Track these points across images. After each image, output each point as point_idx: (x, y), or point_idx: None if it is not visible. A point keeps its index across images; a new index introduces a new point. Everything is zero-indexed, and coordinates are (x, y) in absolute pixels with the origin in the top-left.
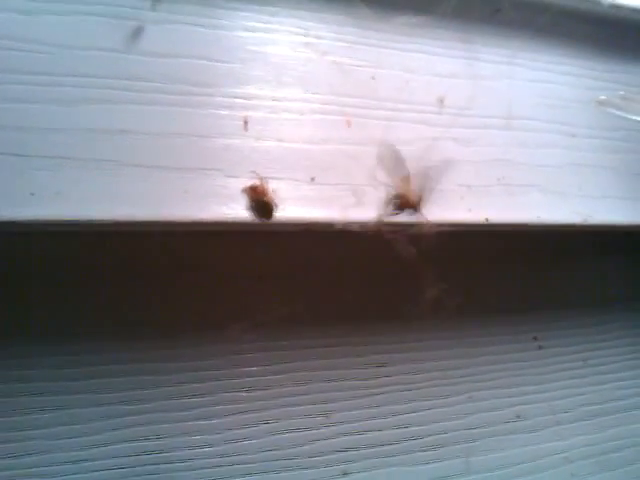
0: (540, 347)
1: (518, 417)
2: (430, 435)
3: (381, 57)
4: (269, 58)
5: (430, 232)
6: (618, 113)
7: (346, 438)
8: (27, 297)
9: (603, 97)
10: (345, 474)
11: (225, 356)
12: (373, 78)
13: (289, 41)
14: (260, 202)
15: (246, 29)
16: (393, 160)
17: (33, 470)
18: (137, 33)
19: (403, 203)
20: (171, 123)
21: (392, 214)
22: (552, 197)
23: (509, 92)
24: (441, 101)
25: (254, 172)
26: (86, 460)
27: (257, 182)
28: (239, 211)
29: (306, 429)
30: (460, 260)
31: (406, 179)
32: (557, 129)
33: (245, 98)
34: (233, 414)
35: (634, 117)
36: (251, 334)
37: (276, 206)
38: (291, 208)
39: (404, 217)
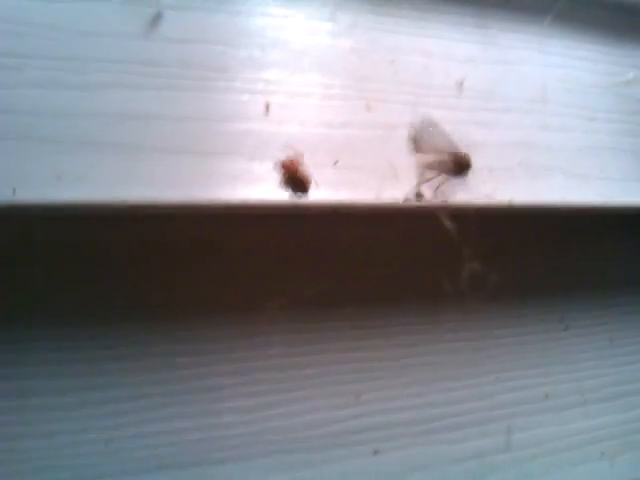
0: (566, 328)
1: (547, 397)
2: (459, 415)
3: (399, 42)
4: (288, 44)
5: (454, 215)
6: None
7: (376, 418)
8: (46, 280)
9: (631, 75)
10: (376, 452)
11: (251, 338)
12: (392, 63)
13: (308, 27)
14: (295, 176)
15: (265, 14)
16: (430, 133)
17: (62, 452)
18: (156, 19)
19: (448, 168)
20: (191, 108)
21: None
22: (574, 179)
23: (527, 76)
24: (460, 85)
25: (289, 145)
26: (116, 440)
27: (291, 156)
28: (264, 193)
29: (336, 409)
30: (488, 242)
31: (446, 147)
32: (576, 113)
33: (265, 83)
34: (262, 395)
35: None
36: (278, 316)
37: (313, 180)
38: (316, 191)
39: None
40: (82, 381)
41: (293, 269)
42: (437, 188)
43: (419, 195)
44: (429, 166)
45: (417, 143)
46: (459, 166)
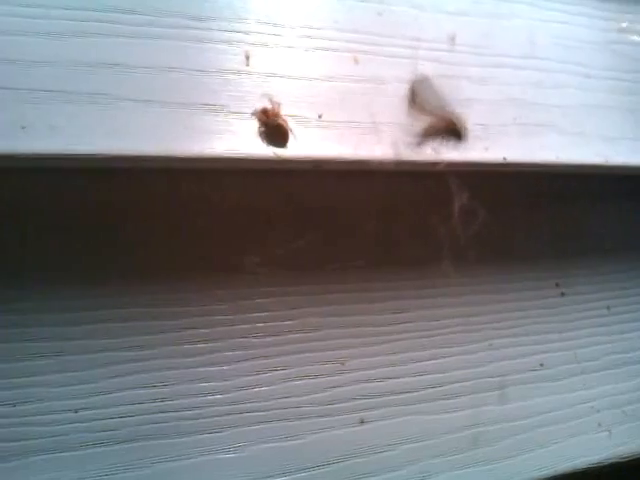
0: (562, 294)
1: (542, 365)
2: (450, 383)
3: None
4: None
5: (449, 172)
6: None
7: (363, 385)
8: (23, 238)
9: (625, 24)
10: (362, 422)
11: (234, 301)
12: (380, 14)
13: None
14: (273, 126)
15: None
16: (427, 91)
17: (31, 419)
18: None
19: (442, 132)
20: (166, 57)
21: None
22: (571, 138)
23: (523, 31)
24: (452, 39)
25: (266, 94)
26: (86, 409)
27: (269, 105)
28: (243, 147)
29: (321, 376)
30: (481, 204)
31: (442, 109)
32: (572, 70)
33: (245, 32)
34: (243, 360)
35: None
36: (262, 278)
37: (291, 131)
38: (299, 145)
39: (427, 152)
40: (50, 346)
41: (276, 229)
42: (428, 145)
43: (410, 151)
44: (424, 126)
45: (413, 101)
46: (454, 132)
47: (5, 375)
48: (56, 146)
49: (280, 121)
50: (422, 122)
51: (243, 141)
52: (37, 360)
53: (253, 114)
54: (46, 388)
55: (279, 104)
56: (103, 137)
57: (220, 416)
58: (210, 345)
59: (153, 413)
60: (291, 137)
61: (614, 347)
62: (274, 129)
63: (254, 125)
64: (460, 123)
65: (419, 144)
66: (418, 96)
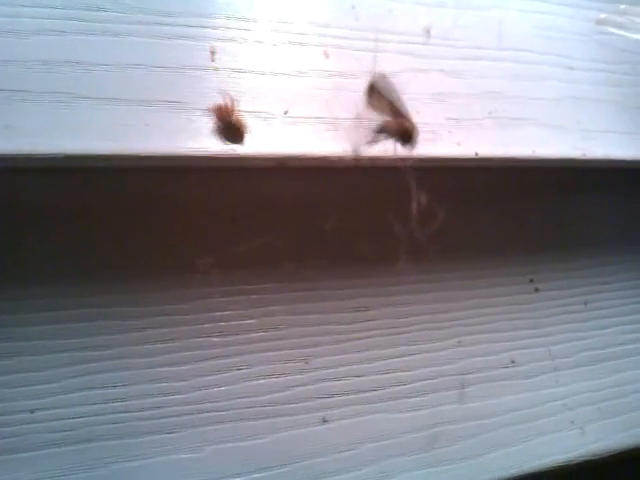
0: (537, 289)
1: (513, 362)
2: (417, 381)
3: None
4: None
5: (415, 167)
6: (619, 32)
7: (326, 384)
8: None
9: (603, 15)
10: (325, 421)
11: (195, 300)
12: (353, 7)
13: None
14: (228, 123)
15: None
16: (385, 89)
17: None
18: None
19: (394, 133)
20: (130, 54)
21: (379, 144)
22: (549, 131)
23: (501, 22)
24: (427, 31)
25: (222, 90)
26: (43, 409)
27: (224, 101)
28: (205, 144)
29: (283, 375)
30: (451, 197)
31: (397, 109)
32: (554, 61)
33: (212, 27)
34: (203, 360)
35: (636, 36)
36: (223, 277)
37: (246, 128)
38: (263, 142)
39: (390, 149)
40: (9, 346)
41: (236, 227)
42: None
43: (373, 147)
44: (379, 124)
45: (370, 99)
46: (404, 135)
47: None
48: (11, 146)
49: (234, 117)
50: (380, 119)
51: (203, 139)
52: None
53: (208, 110)
54: (3, 389)
55: (235, 100)
56: (61, 136)
57: (178, 416)
58: (169, 345)
59: (111, 413)
60: (249, 134)
61: (590, 343)
62: (229, 125)
63: (211, 122)
64: (410, 130)
65: (378, 141)
66: (376, 92)
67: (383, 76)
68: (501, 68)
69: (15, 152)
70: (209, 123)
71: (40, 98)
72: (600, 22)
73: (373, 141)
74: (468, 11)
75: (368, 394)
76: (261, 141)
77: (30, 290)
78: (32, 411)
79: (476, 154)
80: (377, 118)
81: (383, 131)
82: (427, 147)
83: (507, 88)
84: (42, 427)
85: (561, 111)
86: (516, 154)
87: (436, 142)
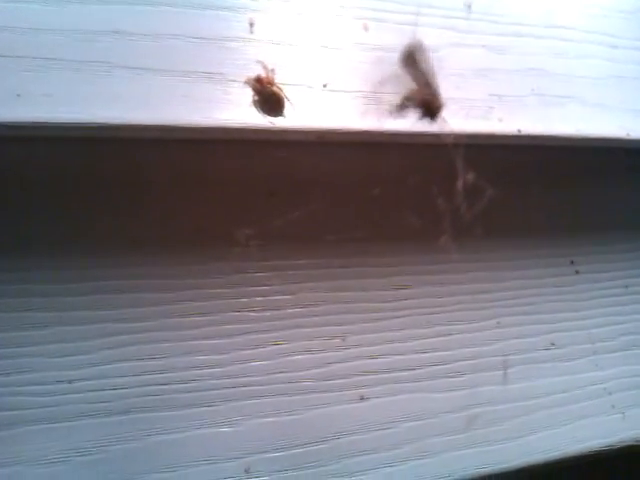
0: (577, 272)
1: (553, 345)
2: (456, 361)
3: None
4: None
5: (459, 143)
6: None
7: (364, 362)
8: (22, 208)
9: None
10: (363, 399)
11: (232, 274)
12: None
13: None
14: (267, 94)
15: None
16: (419, 62)
17: (24, 389)
18: None
19: (425, 107)
20: (168, 24)
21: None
22: (592, 110)
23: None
24: (469, 6)
25: (260, 62)
26: (82, 380)
27: (264, 73)
28: (243, 117)
29: (320, 351)
30: (495, 175)
31: (429, 83)
32: (597, 39)
33: None
34: (241, 334)
35: None
36: (261, 251)
37: (286, 99)
38: (302, 115)
39: (424, 125)
40: (49, 316)
41: (274, 201)
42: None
43: (415, 122)
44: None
45: (403, 70)
46: (428, 109)
47: (4, 344)
48: (49, 114)
49: (274, 89)
50: (418, 92)
51: (242, 111)
52: (35, 330)
53: (246, 82)
54: (42, 358)
55: (273, 71)
56: (99, 105)
57: (216, 390)
58: (207, 318)
59: (148, 385)
60: (288, 105)
61: (630, 327)
62: (268, 97)
63: (249, 94)
64: (435, 105)
65: (403, 113)
66: (411, 71)
67: (418, 47)
68: (544, 45)
69: (54, 120)
70: (247, 95)
71: (78, 67)
72: None
73: (399, 113)
74: None
75: (406, 373)
76: (300, 114)
77: (68, 261)
78: (70, 381)
79: (519, 131)
80: (412, 91)
81: (416, 105)
82: (470, 123)
83: (550, 65)
84: (80, 398)
85: (605, 90)
86: (559, 132)
87: (479, 118)
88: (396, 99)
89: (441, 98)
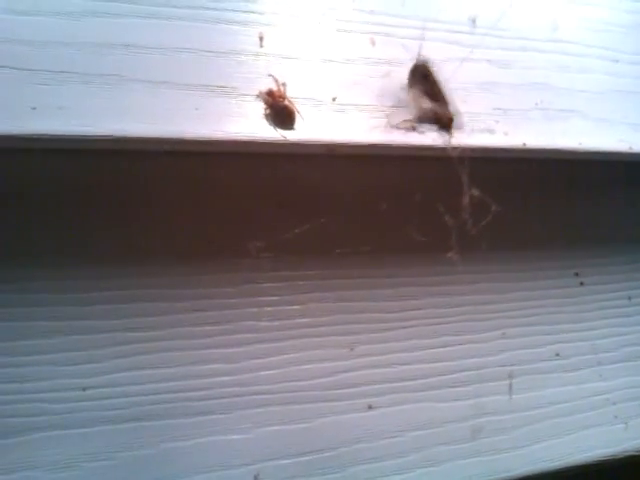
0: (582, 283)
1: (557, 355)
2: (461, 371)
3: None
4: None
5: (464, 157)
6: None
7: (371, 371)
8: (34, 218)
9: None
10: (370, 408)
11: (244, 285)
12: None
13: None
14: (278, 107)
15: None
16: (426, 76)
17: (39, 396)
18: None
19: (434, 121)
20: (180, 38)
21: (419, 133)
22: (595, 124)
23: (549, 13)
24: (473, 20)
25: (271, 75)
26: (93, 387)
27: (275, 86)
28: (254, 130)
29: (329, 361)
30: (500, 188)
31: (438, 97)
32: (599, 54)
33: (260, 13)
34: (251, 343)
35: None
36: (271, 263)
37: (298, 113)
38: (311, 128)
39: (432, 138)
40: (61, 325)
41: (284, 213)
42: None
43: (422, 135)
44: (422, 111)
45: (411, 86)
46: (440, 122)
47: (15, 353)
48: (63, 127)
49: (286, 102)
50: (422, 107)
51: (254, 124)
52: (47, 339)
53: (258, 96)
54: (55, 367)
55: (284, 84)
56: (112, 118)
57: (227, 398)
58: (218, 327)
59: (160, 393)
60: (299, 119)
61: (634, 338)
62: (280, 111)
63: (261, 107)
64: (448, 117)
65: (420, 128)
66: (436, 76)
67: (425, 62)
68: (547, 59)
69: (68, 133)
70: (257, 108)
71: (91, 80)
72: None
73: (415, 128)
74: (513, 1)
75: (413, 382)
76: (310, 127)
77: (81, 271)
78: (84, 389)
79: (524, 144)
80: (420, 105)
81: (424, 118)
82: (475, 137)
83: (554, 79)
84: (94, 405)
85: (607, 104)
86: (563, 146)
87: (484, 132)
88: (407, 113)
89: (451, 110)
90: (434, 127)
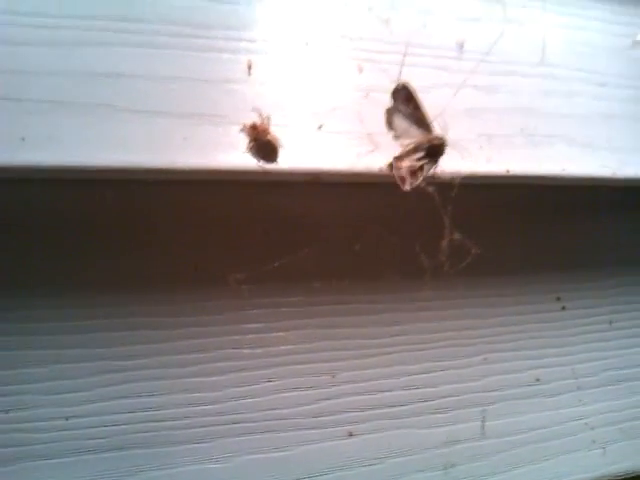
0: (563, 308)
1: (537, 380)
2: (443, 397)
3: None
4: None
5: (448, 183)
6: None
7: (353, 398)
8: (20, 248)
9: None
10: (351, 435)
11: (227, 312)
12: (387, 21)
13: None
14: (262, 142)
15: None
16: (410, 102)
17: (23, 425)
18: None
19: (423, 150)
20: (170, 67)
21: (409, 162)
22: (579, 149)
23: (535, 38)
24: (461, 46)
25: (255, 109)
26: (78, 416)
27: (258, 120)
28: (242, 158)
29: (311, 388)
30: (479, 214)
31: (425, 124)
32: (586, 78)
33: (249, 41)
34: (234, 371)
35: None
36: (255, 290)
37: (281, 147)
38: (297, 157)
39: (420, 165)
40: (46, 354)
41: (273, 240)
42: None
43: (406, 164)
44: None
45: (391, 118)
46: (431, 151)
47: (0, 382)
48: (53, 158)
49: (269, 137)
50: (426, 130)
51: (239, 153)
52: (33, 368)
53: (242, 130)
54: (40, 395)
55: (269, 118)
56: (101, 149)
57: (208, 426)
58: (200, 355)
59: (142, 422)
60: (282, 151)
61: (614, 362)
62: (263, 145)
63: (245, 140)
64: (438, 145)
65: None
66: (401, 117)
67: (408, 87)
68: (533, 84)
69: (58, 164)
70: (245, 138)
71: (81, 110)
72: (637, 43)
73: (404, 158)
74: (503, 25)
75: (394, 409)
76: (296, 156)
77: (64, 299)
78: (67, 418)
79: (507, 171)
80: (406, 134)
81: (416, 150)
82: (458, 163)
83: (539, 104)
84: (76, 434)
85: (592, 129)
86: (546, 172)
87: (467, 158)
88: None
89: (439, 136)
90: (420, 154)
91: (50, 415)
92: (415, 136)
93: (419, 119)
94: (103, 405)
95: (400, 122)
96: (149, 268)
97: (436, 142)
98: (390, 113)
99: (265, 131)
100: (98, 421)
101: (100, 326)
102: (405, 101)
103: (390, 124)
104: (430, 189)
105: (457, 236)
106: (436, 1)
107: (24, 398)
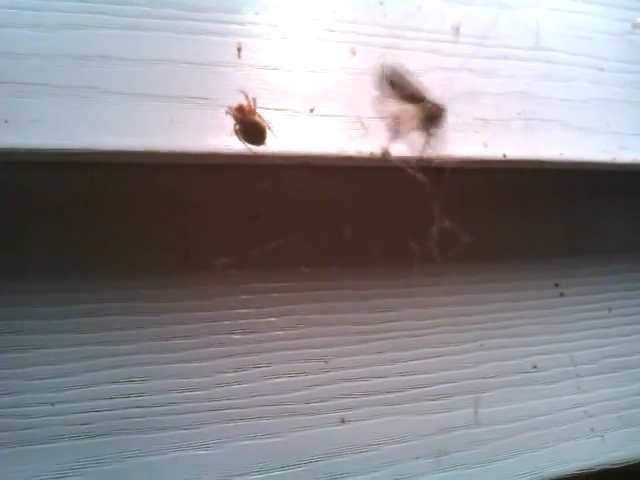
0: (562, 294)
1: (535, 367)
2: (437, 384)
3: None
4: None
5: (442, 167)
6: None
7: (345, 384)
8: (5, 232)
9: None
10: (343, 421)
11: (217, 297)
12: (381, 3)
13: None
14: (248, 123)
15: None
16: (398, 78)
17: (7, 411)
18: None
19: (413, 124)
20: (157, 49)
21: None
22: (577, 133)
23: (533, 22)
24: (457, 29)
25: (241, 91)
26: (63, 402)
27: (244, 102)
28: (230, 141)
29: (303, 374)
30: (476, 198)
31: (414, 97)
32: (584, 62)
33: (239, 23)
34: (224, 357)
35: None
36: (245, 275)
37: (269, 128)
38: (288, 140)
39: (415, 149)
40: (32, 339)
41: (263, 225)
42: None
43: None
44: (401, 116)
45: (384, 88)
46: (429, 117)
47: None
48: (36, 140)
49: (256, 118)
50: (401, 116)
51: (228, 136)
52: (18, 352)
53: (227, 112)
54: (25, 381)
55: (255, 99)
56: (86, 131)
57: (198, 412)
58: (190, 341)
59: (130, 407)
60: (274, 132)
61: (613, 350)
62: (250, 127)
63: (232, 122)
64: (436, 110)
65: (403, 138)
66: (395, 87)
67: (393, 67)
68: (530, 68)
69: (41, 147)
70: (231, 120)
71: (66, 93)
72: (636, 25)
73: (399, 136)
74: (497, 9)
75: (387, 396)
76: (287, 139)
77: (50, 284)
78: (52, 404)
79: (504, 156)
80: (400, 110)
81: (407, 120)
82: (454, 147)
83: (536, 88)
84: (62, 419)
85: (590, 113)
86: (544, 156)
87: (463, 143)
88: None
89: (438, 103)
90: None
91: (36, 400)
92: (411, 112)
93: (412, 96)
94: (90, 390)
95: (393, 104)
96: (137, 253)
97: (433, 109)
98: (381, 97)
99: (251, 112)
100: (84, 407)
101: (86, 311)
102: (395, 83)
103: (382, 107)
104: (423, 176)
105: (451, 222)
106: None
107: (10, 383)
